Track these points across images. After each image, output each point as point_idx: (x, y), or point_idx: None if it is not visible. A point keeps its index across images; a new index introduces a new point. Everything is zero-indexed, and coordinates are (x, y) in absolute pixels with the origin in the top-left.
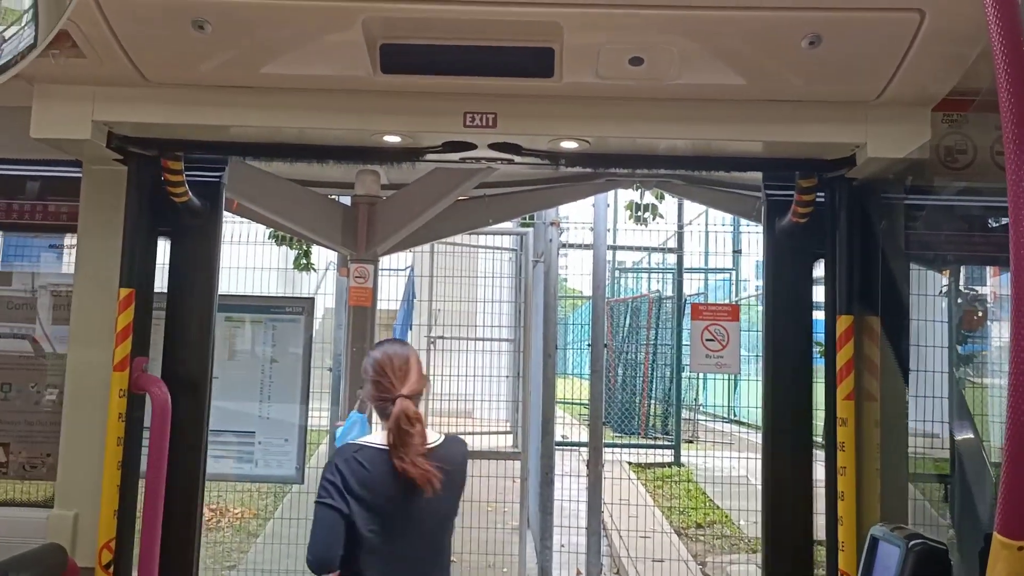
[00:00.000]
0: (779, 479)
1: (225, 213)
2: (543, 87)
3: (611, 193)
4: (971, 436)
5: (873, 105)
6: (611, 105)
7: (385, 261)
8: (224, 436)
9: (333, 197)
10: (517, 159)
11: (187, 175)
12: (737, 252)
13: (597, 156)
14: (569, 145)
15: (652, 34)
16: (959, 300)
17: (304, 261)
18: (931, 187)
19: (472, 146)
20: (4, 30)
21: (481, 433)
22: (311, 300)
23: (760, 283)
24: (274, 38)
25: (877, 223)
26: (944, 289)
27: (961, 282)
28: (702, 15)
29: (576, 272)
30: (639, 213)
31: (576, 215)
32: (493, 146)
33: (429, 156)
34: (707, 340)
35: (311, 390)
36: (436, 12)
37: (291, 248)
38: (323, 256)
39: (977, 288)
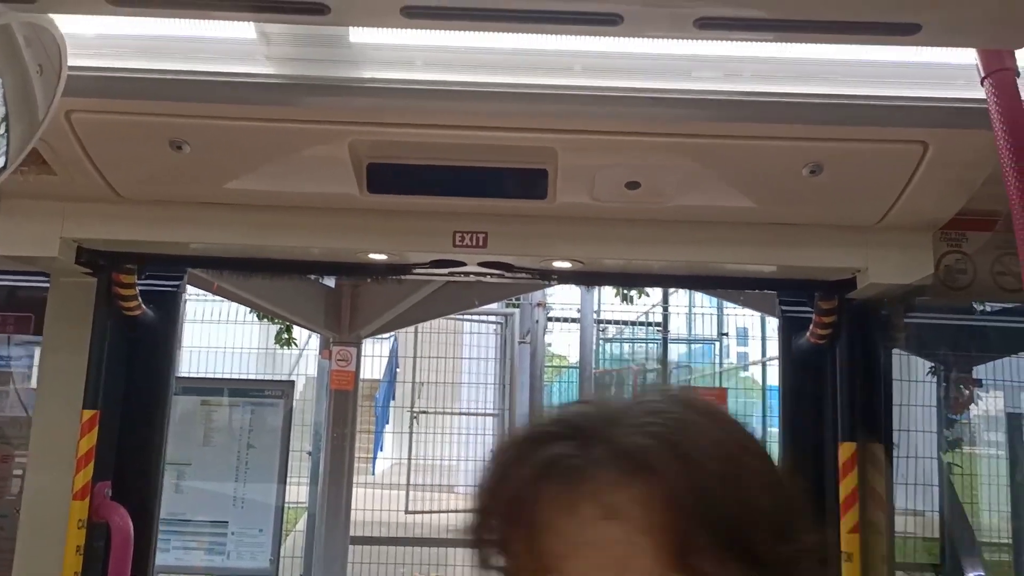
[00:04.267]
0: None
1: (200, 291)
2: (536, 208)
3: None
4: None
5: (874, 230)
6: (606, 226)
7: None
8: (196, 525)
9: (315, 279)
10: (507, 276)
11: (144, 285)
12: (724, 334)
13: (589, 274)
14: (561, 264)
15: (649, 159)
16: (945, 385)
17: (285, 337)
18: (932, 306)
19: (461, 264)
20: None
21: (464, 511)
22: (291, 383)
23: (741, 350)
24: (256, 158)
25: (879, 344)
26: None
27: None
28: (700, 143)
29: (562, 339)
30: (625, 292)
31: (562, 293)
32: (483, 264)
33: (416, 271)
34: None
35: (289, 475)
36: (426, 136)
37: (272, 324)
38: (302, 332)
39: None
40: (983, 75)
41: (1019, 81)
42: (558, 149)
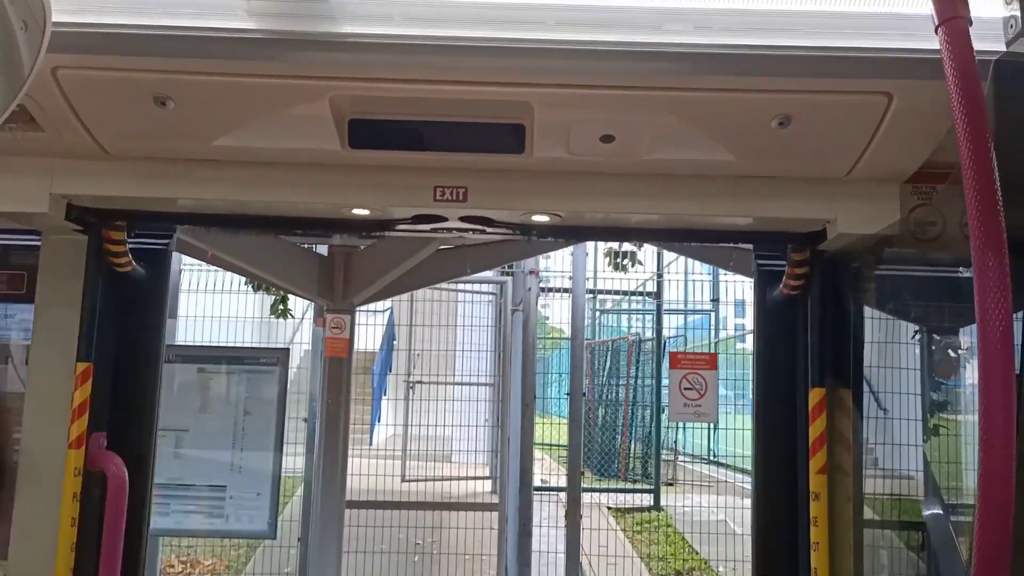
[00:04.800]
0: (770, 559)
1: (200, 262)
2: (514, 162)
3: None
4: (939, 511)
5: (843, 182)
6: (582, 180)
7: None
8: (196, 490)
9: (309, 247)
10: (488, 230)
11: (134, 243)
12: (715, 300)
13: (568, 228)
14: (540, 218)
15: (621, 113)
16: (932, 348)
17: (281, 308)
18: (902, 258)
19: (443, 219)
20: None
21: (459, 479)
22: (286, 351)
23: (738, 321)
24: (239, 114)
25: (849, 295)
26: (916, 336)
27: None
28: (671, 96)
29: (558, 312)
30: (618, 260)
31: (557, 262)
32: (464, 219)
33: (399, 228)
34: (685, 389)
35: (286, 441)
36: (406, 91)
37: (268, 295)
38: (300, 302)
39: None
40: (937, 23)
41: (971, 30)
42: (534, 104)
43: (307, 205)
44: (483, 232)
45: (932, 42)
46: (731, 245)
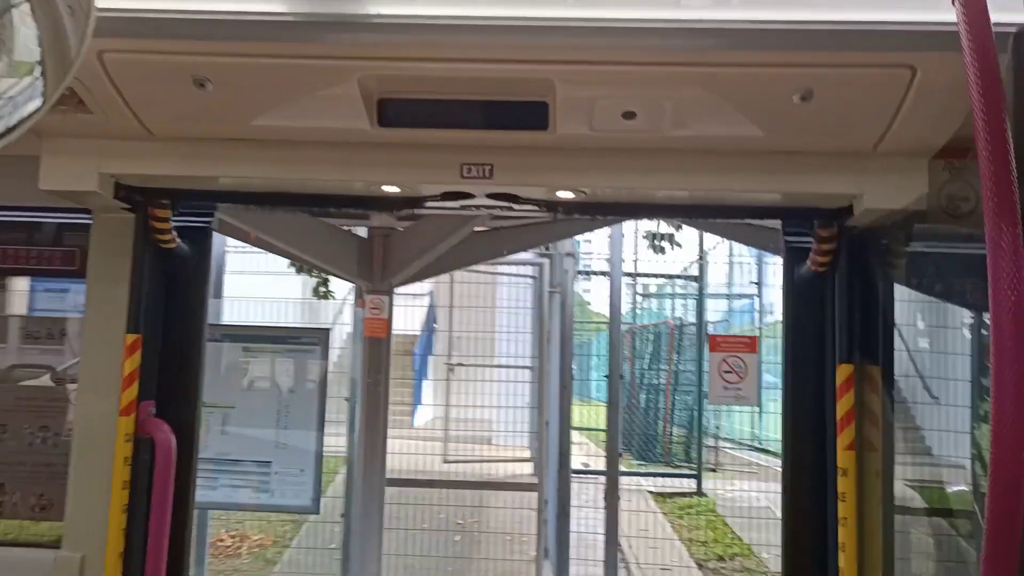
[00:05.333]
0: (798, 535)
1: (245, 244)
2: (538, 139)
3: (630, 222)
4: (965, 488)
5: (869, 157)
6: (605, 156)
7: (404, 287)
8: (242, 465)
9: (348, 228)
10: (515, 207)
11: (178, 221)
12: (756, 283)
13: (593, 204)
14: (565, 195)
15: (642, 89)
16: (984, 332)
17: (323, 290)
18: (933, 234)
19: (470, 195)
20: (15, 85)
21: (500, 460)
22: (327, 331)
23: None
24: (273, 95)
25: (878, 271)
26: (970, 322)
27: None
28: (690, 71)
29: (601, 297)
30: (656, 242)
31: (599, 244)
32: (491, 195)
33: (428, 204)
34: (725, 372)
35: (327, 419)
36: (431, 70)
37: (310, 277)
38: (342, 285)
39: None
40: None
41: (990, 2)
42: (556, 81)
43: (340, 183)
44: (510, 209)
45: (954, 14)
46: (759, 222)
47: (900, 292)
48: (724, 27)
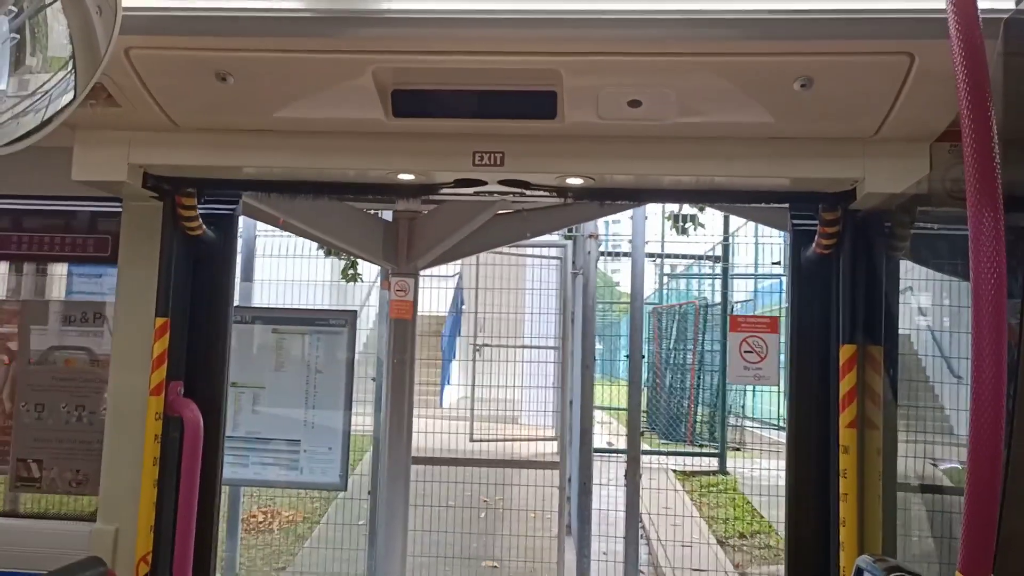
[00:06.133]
0: (802, 511)
1: (274, 228)
2: (547, 127)
3: (653, 205)
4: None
5: (871, 141)
6: (613, 144)
7: (432, 270)
8: (272, 444)
9: (374, 212)
10: (527, 193)
11: (204, 209)
12: (776, 263)
13: (602, 190)
14: (574, 181)
15: (647, 78)
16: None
17: (352, 272)
18: (935, 217)
19: (482, 182)
20: (49, 79)
21: (526, 439)
22: (354, 313)
23: None
24: (292, 87)
25: (881, 253)
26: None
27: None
28: (693, 60)
29: (628, 278)
30: (679, 224)
31: (627, 225)
32: (502, 182)
33: (442, 191)
34: (745, 352)
35: (355, 399)
36: (443, 62)
37: (339, 260)
38: (370, 267)
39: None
40: None
41: None
42: (563, 71)
43: (357, 171)
44: (522, 195)
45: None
46: (763, 205)
47: (903, 274)
48: (727, 17)
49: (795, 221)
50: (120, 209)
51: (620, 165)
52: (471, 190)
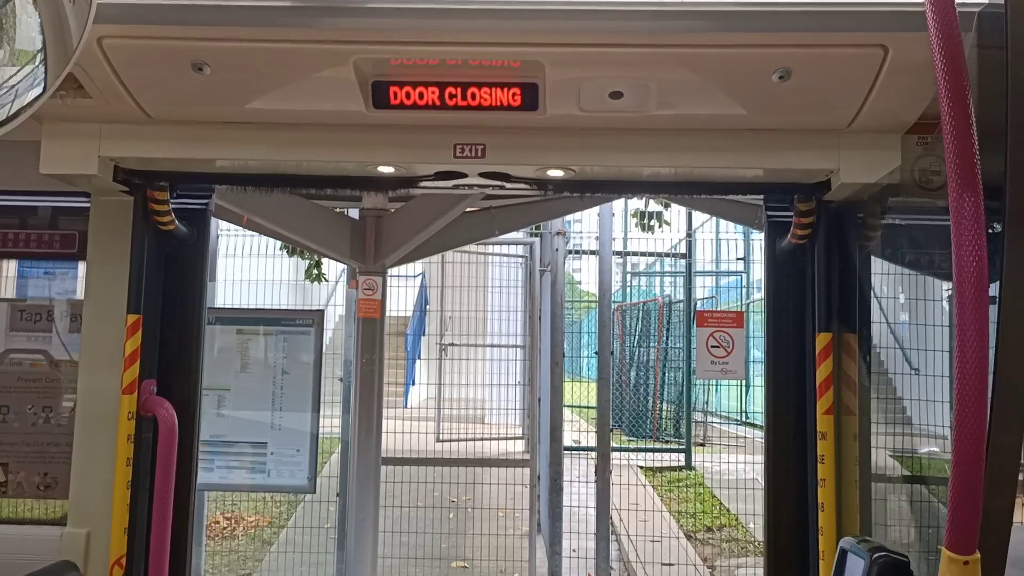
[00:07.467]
0: (780, 499)
1: (237, 227)
2: (529, 119)
3: (619, 202)
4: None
5: (845, 133)
6: (594, 136)
7: (396, 269)
8: (238, 447)
9: (341, 210)
10: (507, 186)
11: (176, 203)
12: (741, 259)
13: (583, 182)
14: (555, 173)
15: (628, 70)
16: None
17: (316, 272)
18: (906, 207)
19: (463, 175)
20: (16, 73)
21: (493, 439)
22: (321, 312)
23: None
24: (270, 78)
25: (854, 243)
26: (948, 294)
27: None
28: (672, 52)
29: (590, 277)
30: (645, 221)
31: (588, 224)
32: (483, 174)
33: (422, 184)
34: (712, 347)
35: (322, 400)
36: (424, 53)
37: (302, 259)
38: (335, 267)
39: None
40: None
41: None
42: (545, 63)
43: (336, 164)
44: (502, 188)
45: None
46: (756, 202)
47: (876, 263)
48: (707, 9)
49: (770, 212)
50: (87, 204)
51: (601, 157)
52: (451, 183)
